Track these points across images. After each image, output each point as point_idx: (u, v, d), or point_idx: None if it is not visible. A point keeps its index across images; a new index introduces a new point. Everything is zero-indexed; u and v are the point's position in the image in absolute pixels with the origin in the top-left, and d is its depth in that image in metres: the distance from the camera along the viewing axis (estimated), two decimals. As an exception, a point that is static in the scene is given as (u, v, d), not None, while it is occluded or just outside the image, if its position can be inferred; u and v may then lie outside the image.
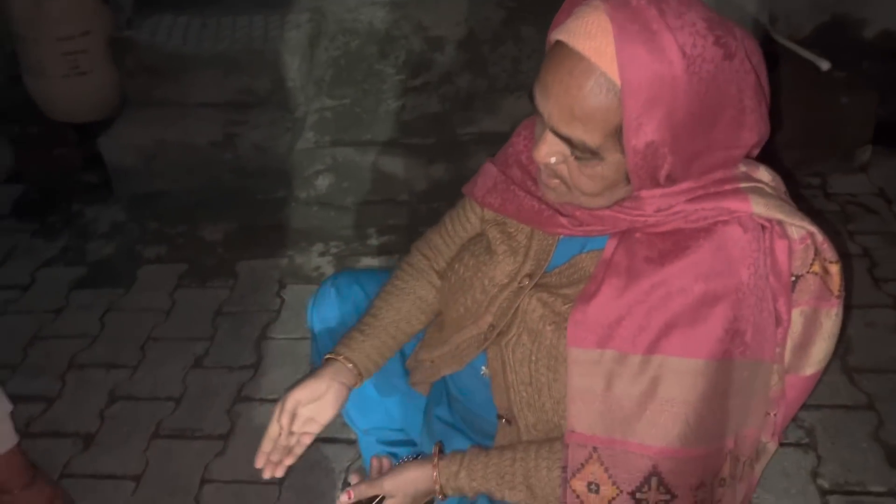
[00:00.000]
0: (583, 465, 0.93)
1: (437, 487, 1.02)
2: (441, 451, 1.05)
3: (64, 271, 2.34)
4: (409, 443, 1.42)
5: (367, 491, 1.02)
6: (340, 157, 2.50)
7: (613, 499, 0.92)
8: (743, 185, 0.89)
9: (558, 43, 0.82)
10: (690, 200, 0.88)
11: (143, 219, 2.51)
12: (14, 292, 2.26)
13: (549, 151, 0.87)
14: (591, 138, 0.82)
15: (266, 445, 1.07)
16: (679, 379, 0.88)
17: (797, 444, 1.64)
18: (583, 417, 0.92)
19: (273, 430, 1.07)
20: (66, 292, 2.25)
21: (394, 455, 1.14)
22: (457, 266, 1.11)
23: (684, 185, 0.87)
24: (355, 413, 1.34)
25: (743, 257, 0.87)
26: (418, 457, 1.09)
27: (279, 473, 1.09)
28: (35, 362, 2.01)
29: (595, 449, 0.92)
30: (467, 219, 1.17)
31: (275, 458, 1.08)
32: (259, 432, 1.74)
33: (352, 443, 1.74)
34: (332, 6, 2.78)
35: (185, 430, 1.81)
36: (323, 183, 2.50)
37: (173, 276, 2.29)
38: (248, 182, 2.49)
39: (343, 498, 1.03)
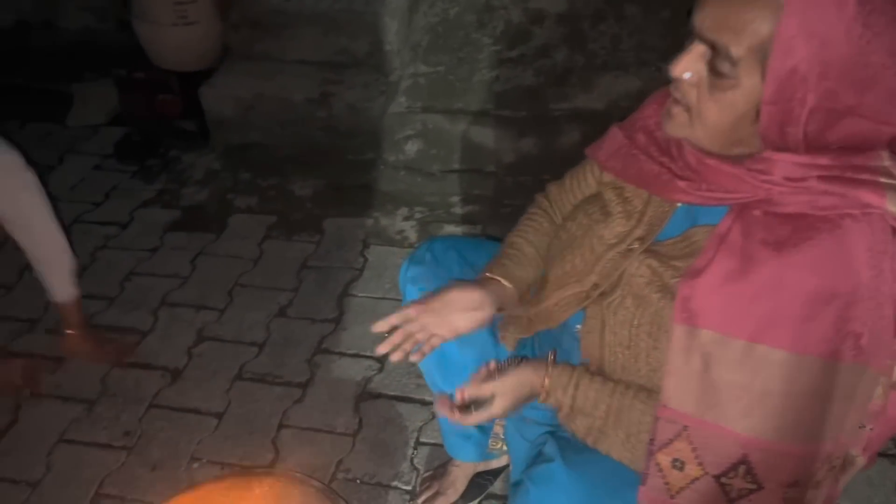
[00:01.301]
0: (671, 440, 0.92)
1: (543, 394, 1.04)
2: (553, 360, 1.06)
3: (160, 213, 2.43)
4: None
5: (478, 391, 1.04)
6: (431, 124, 2.51)
7: (697, 479, 0.91)
8: (883, 179, 0.83)
9: None
10: (822, 179, 0.83)
11: (237, 169, 2.59)
12: (114, 229, 2.36)
13: (687, 65, 0.85)
14: (736, 48, 0.80)
15: (395, 318, 1.10)
16: (781, 372, 0.85)
17: (884, 455, 1.58)
18: (677, 394, 0.91)
19: (408, 312, 1.09)
20: (161, 233, 2.34)
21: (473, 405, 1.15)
22: (569, 224, 1.12)
23: (819, 159, 0.83)
24: (438, 375, 1.36)
25: (867, 257, 0.83)
26: (522, 360, 1.08)
27: (394, 357, 1.11)
28: (130, 297, 2.11)
29: (685, 427, 0.91)
30: (585, 179, 1.17)
31: (396, 339, 1.11)
32: (337, 384, 1.83)
33: (426, 404, 1.77)
34: (435, -29, 2.77)
35: (266, 374, 1.88)
36: (412, 148, 2.51)
37: (262, 227, 2.35)
38: (339, 141, 2.53)
39: (457, 395, 1.04)
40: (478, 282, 1.12)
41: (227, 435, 1.73)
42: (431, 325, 1.09)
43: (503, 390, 1.04)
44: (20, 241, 1.61)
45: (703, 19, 0.83)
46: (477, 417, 1.05)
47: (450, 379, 1.35)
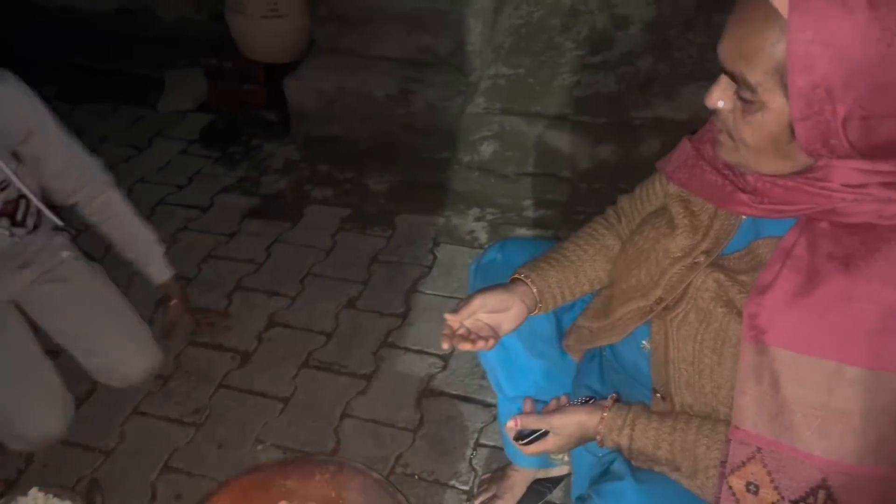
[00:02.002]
0: (744, 463, 0.89)
1: (599, 438, 1.03)
2: (617, 401, 1.05)
3: (239, 199, 2.51)
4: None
5: (534, 423, 1.05)
6: (508, 126, 2.51)
7: None
8: None
9: None
10: (885, 185, 0.80)
11: (315, 160, 2.64)
12: (195, 212, 2.45)
13: (718, 95, 0.86)
14: (751, 74, 0.80)
15: (451, 322, 1.11)
16: (857, 390, 0.81)
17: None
18: (749, 415, 0.88)
19: (451, 319, 1.11)
20: (240, 219, 2.41)
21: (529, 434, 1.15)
22: (636, 237, 1.11)
23: (880, 165, 0.80)
24: (504, 378, 1.36)
25: None
26: (590, 401, 1.09)
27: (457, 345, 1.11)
28: (207, 278, 2.18)
29: (759, 449, 0.88)
30: (654, 191, 1.16)
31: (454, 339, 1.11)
32: (400, 378, 1.84)
33: (488, 405, 1.77)
34: (521, -26, 2.77)
35: (332, 364, 1.91)
36: (487, 149, 2.52)
37: (336, 219, 2.40)
38: (416, 138, 2.55)
39: (510, 423, 1.06)
40: (504, 285, 1.14)
41: (291, 420, 1.77)
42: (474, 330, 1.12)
43: (557, 428, 1.05)
44: (115, 242, 1.75)
45: (721, 51, 0.84)
46: (530, 448, 1.07)
47: (513, 382, 1.35)
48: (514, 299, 1.12)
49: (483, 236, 2.29)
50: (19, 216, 1.56)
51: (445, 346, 1.11)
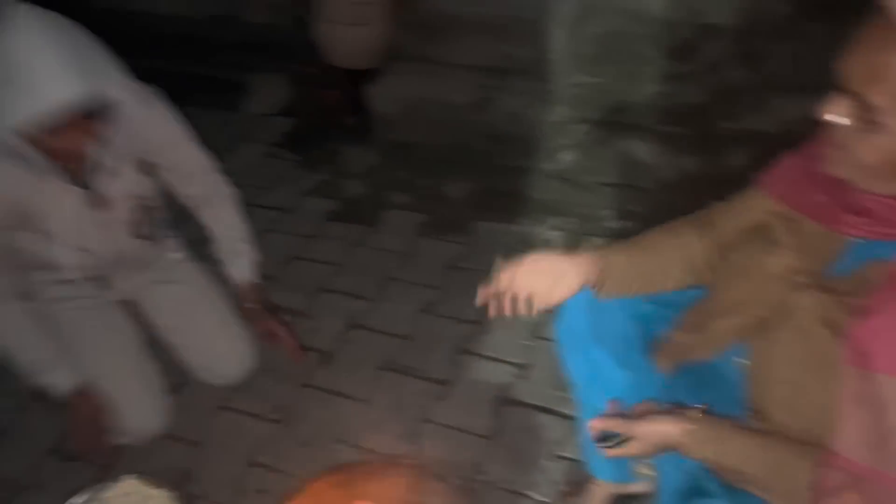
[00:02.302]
0: (839, 489, 0.86)
1: (682, 450, 1.01)
2: (703, 415, 1.02)
3: (321, 202, 2.56)
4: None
5: (617, 426, 1.04)
6: (588, 135, 2.49)
7: None
8: None
9: (880, 10, 0.79)
10: None
11: (394, 166, 2.68)
12: (278, 214, 2.51)
13: (835, 110, 0.84)
14: (879, 97, 0.78)
15: (493, 288, 1.18)
16: None
17: None
18: (850, 442, 0.85)
19: (501, 280, 1.16)
20: (321, 222, 2.47)
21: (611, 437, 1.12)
22: (734, 254, 1.08)
23: None
24: (589, 390, 1.35)
25: None
26: (675, 408, 1.06)
27: (492, 312, 1.18)
28: (291, 279, 2.24)
29: (858, 478, 0.85)
30: (752, 206, 1.12)
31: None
32: (478, 385, 1.85)
33: (566, 418, 1.76)
34: (605, -18, 2.75)
35: (410, 368, 1.93)
36: (566, 158, 2.50)
37: (415, 224, 2.42)
38: (495, 146, 2.56)
39: (593, 422, 1.06)
40: (569, 254, 1.14)
41: (372, 422, 1.80)
42: (523, 287, 1.14)
43: (640, 435, 1.03)
44: (215, 239, 1.80)
45: (844, 69, 0.82)
46: (612, 451, 1.05)
47: (599, 394, 1.33)
48: (571, 268, 1.11)
49: (561, 246, 2.28)
50: (144, 226, 1.65)
51: (480, 303, 1.17)
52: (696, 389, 1.17)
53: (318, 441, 1.76)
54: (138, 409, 1.63)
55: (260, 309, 1.77)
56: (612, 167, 2.45)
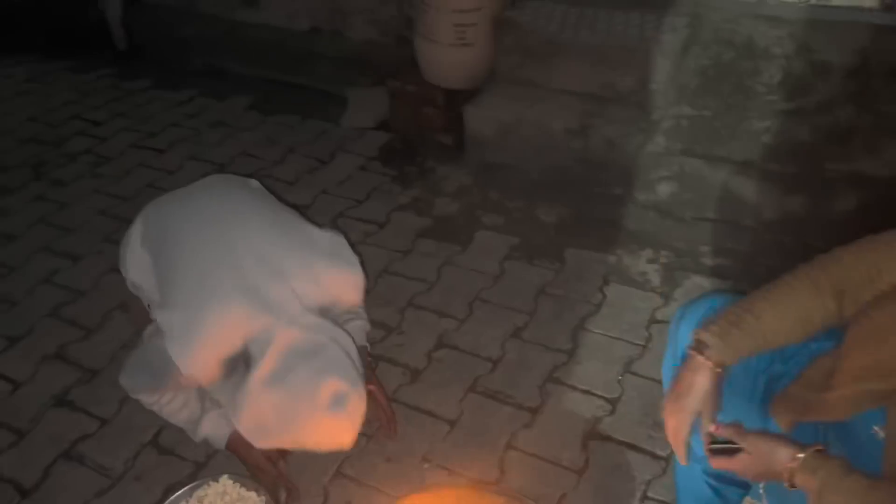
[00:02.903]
0: None
1: (786, 476, 1.00)
2: (820, 451, 1.00)
3: (413, 218, 2.59)
4: (742, 484, 1.36)
5: (733, 433, 1.06)
6: (688, 168, 2.44)
7: None
8: None
9: None
10: None
11: (487, 187, 2.69)
12: (372, 227, 2.56)
13: None
14: None
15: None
16: None
17: None
18: None
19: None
20: (413, 238, 2.49)
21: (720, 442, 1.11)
22: (873, 312, 1.02)
23: None
24: (693, 437, 1.31)
25: None
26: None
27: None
28: (382, 293, 2.27)
29: None
30: (890, 262, 1.05)
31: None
32: (566, 416, 1.83)
33: (657, 457, 1.72)
34: (713, 13, 2.69)
35: (498, 392, 1.92)
36: (665, 190, 2.46)
37: (505, 247, 2.42)
38: (591, 173, 2.54)
39: (711, 427, 1.08)
40: (693, 360, 1.10)
41: (457, 443, 1.80)
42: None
43: (752, 448, 1.03)
44: None
45: None
46: (719, 461, 1.07)
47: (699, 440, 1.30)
48: (717, 392, 1.09)
49: (655, 279, 2.24)
50: None
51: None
52: (830, 450, 1.12)
53: (405, 458, 1.76)
54: None
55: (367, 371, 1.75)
56: (712, 202, 2.39)
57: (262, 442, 1.42)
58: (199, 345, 1.40)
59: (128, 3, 3.88)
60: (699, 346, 1.11)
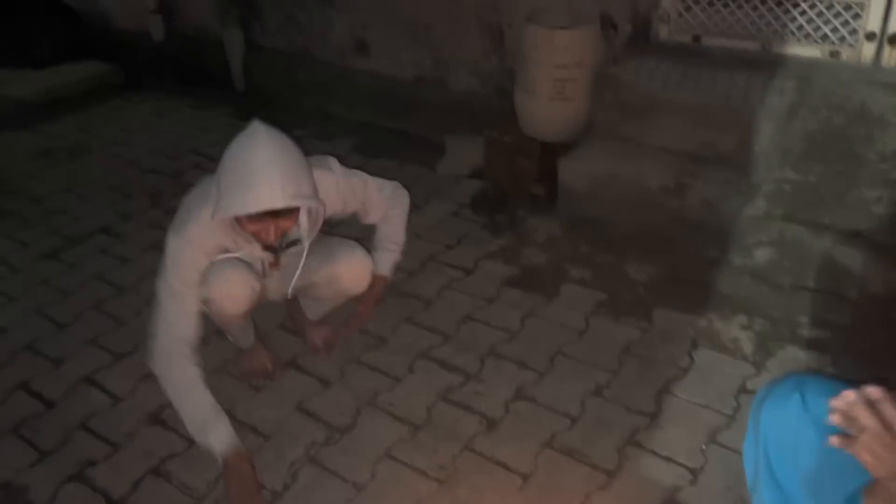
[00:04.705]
0: None
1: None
2: None
3: (500, 267, 2.61)
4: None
5: (859, 410, 0.91)
6: (789, 234, 2.36)
7: None
8: None
9: None
10: None
11: (577, 240, 2.68)
12: (459, 273, 2.59)
13: None
14: None
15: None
16: None
17: None
18: None
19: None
20: (499, 286, 2.51)
21: None
22: None
23: None
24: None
25: None
26: None
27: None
28: (463, 338, 2.28)
29: None
30: None
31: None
32: (644, 482, 1.77)
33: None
34: (823, 78, 2.61)
35: (575, 450, 1.89)
36: (762, 255, 2.38)
37: (592, 302, 2.40)
38: (685, 233, 2.49)
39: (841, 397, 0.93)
40: None
41: (530, 499, 1.77)
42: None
43: (876, 429, 0.90)
44: (378, 230, 2.18)
45: None
46: (837, 438, 0.94)
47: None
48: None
49: (748, 347, 2.15)
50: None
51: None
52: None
53: (475, 508, 1.75)
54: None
55: (375, 296, 2.15)
56: (813, 271, 2.29)
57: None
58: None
59: (248, 48, 4.16)
60: None
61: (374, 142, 3.54)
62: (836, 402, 0.94)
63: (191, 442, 1.96)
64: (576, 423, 1.96)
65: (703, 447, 1.85)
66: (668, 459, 1.84)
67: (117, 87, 4.47)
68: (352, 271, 2.06)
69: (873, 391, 0.92)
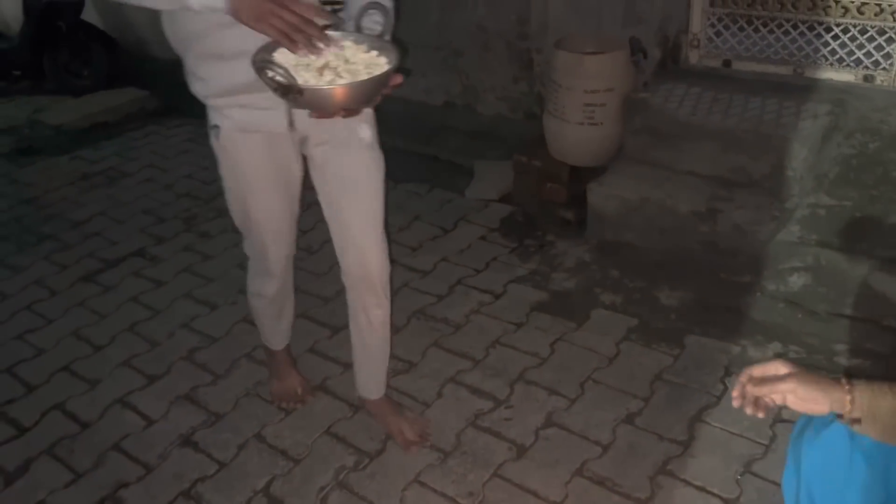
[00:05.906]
0: None
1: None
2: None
3: (529, 291, 2.60)
4: None
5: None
6: (824, 260, 2.32)
7: None
8: None
9: None
10: None
11: (607, 265, 2.66)
12: (488, 297, 2.59)
13: None
14: None
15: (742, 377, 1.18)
16: None
17: None
18: None
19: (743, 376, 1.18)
20: (528, 311, 2.50)
21: None
22: None
23: None
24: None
25: None
26: None
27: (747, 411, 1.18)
28: (492, 363, 2.27)
29: None
30: None
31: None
32: (683, 515, 1.73)
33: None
34: (858, 102, 2.59)
35: (606, 479, 1.86)
36: (797, 281, 2.34)
37: (622, 327, 2.38)
38: (717, 258, 2.47)
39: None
40: (821, 380, 1.10)
41: (560, 528, 1.75)
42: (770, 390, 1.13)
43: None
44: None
45: None
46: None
47: None
48: (826, 404, 1.08)
49: (783, 375, 2.11)
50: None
51: (736, 404, 1.18)
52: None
53: (505, 536, 1.73)
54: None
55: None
56: (850, 298, 2.25)
57: None
58: None
59: (281, 75, 4.23)
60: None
61: (404, 166, 3.55)
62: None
63: (221, 464, 1.98)
64: (607, 450, 1.94)
65: (738, 477, 1.81)
66: (702, 489, 1.80)
67: (153, 114, 4.57)
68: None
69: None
